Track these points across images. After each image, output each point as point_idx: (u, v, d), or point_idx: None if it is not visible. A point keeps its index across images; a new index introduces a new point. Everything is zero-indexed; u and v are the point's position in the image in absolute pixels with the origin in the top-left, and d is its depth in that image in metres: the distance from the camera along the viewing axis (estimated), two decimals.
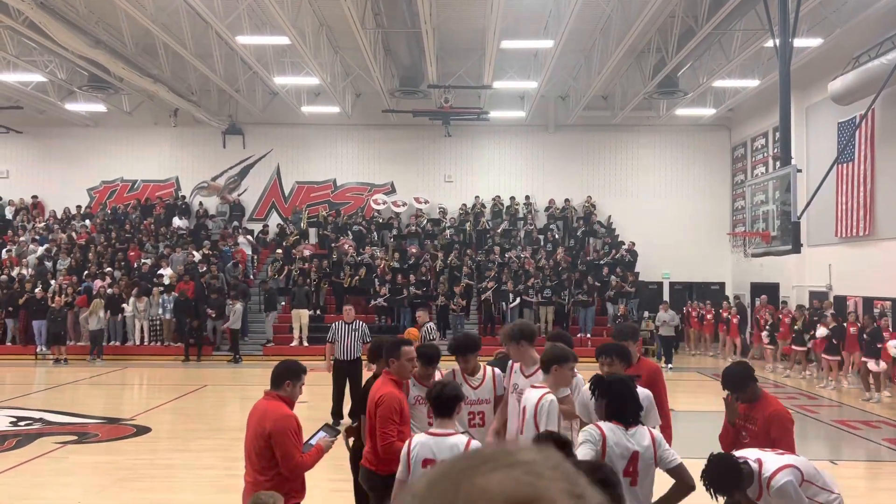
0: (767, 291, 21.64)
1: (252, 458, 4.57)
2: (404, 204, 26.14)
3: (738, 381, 4.93)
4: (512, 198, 25.80)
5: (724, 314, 21.23)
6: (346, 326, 11.08)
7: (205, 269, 22.00)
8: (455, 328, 20.44)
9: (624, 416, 3.93)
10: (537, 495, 0.79)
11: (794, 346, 17.72)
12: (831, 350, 15.83)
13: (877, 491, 8.89)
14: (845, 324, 15.79)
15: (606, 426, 3.91)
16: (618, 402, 3.97)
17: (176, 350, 20.25)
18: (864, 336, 14.83)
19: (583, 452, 3.75)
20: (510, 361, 5.51)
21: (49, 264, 22.83)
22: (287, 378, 4.68)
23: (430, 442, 4.15)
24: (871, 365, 14.40)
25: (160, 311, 20.69)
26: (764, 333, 19.06)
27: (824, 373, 16.41)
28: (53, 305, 19.97)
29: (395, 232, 25.01)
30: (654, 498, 4.05)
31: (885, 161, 17.50)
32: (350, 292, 21.82)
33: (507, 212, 25.52)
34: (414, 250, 23.64)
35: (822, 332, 15.96)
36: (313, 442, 4.72)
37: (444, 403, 4.23)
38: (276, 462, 4.47)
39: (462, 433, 4.34)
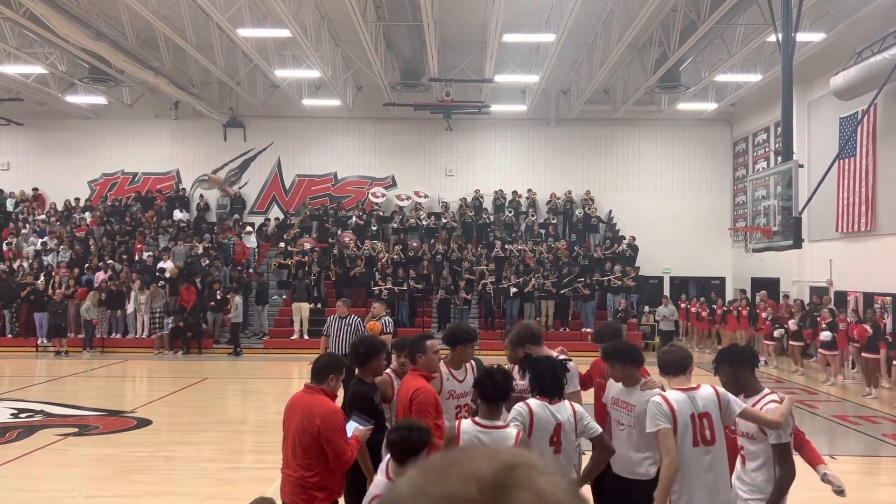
0: (768, 286, 21.62)
1: (297, 453, 4.51)
2: (408, 198, 26.13)
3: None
4: (514, 192, 25.78)
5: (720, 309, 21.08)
6: (340, 321, 11.08)
7: (207, 262, 22.00)
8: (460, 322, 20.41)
9: (547, 392, 4.35)
10: (517, 462, 0.93)
11: (791, 342, 17.74)
12: (829, 345, 15.86)
13: (877, 486, 8.91)
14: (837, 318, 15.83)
15: (534, 402, 4.34)
16: (539, 379, 4.38)
17: (176, 343, 20.23)
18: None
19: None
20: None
21: (47, 257, 22.82)
22: (332, 372, 4.67)
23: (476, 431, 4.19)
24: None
25: (160, 328, 20.42)
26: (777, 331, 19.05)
27: (823, 368, 16.42)
28: (54, 298, 20.00)
29: (394, 225, 24.99)
30: (580, 470, 4.57)
31: (886, 156, 17.47)
32: (351, 285, 21.85)
33: (509, 205, 25.51)
34: (415, 244, 23.64)
35: (826, 335, 15.88)
36: (349, 432, 4.67)
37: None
38: (323, 458, 4.44)
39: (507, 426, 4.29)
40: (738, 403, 4.29)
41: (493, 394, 4.16)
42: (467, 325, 5.82)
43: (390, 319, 11.90)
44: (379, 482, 4.04)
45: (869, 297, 17.53)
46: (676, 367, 4.38)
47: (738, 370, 4.47)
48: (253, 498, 4.30)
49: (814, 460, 4.54)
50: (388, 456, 4.09)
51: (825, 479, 4.36)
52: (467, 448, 0.95)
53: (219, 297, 20.49)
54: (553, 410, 4.30)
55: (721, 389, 4.30)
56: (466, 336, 5.48)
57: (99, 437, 10.48)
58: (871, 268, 17.75)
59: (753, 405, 4.34)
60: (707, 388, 4.29)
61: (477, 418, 4.23)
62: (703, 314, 21.70)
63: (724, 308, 21.01)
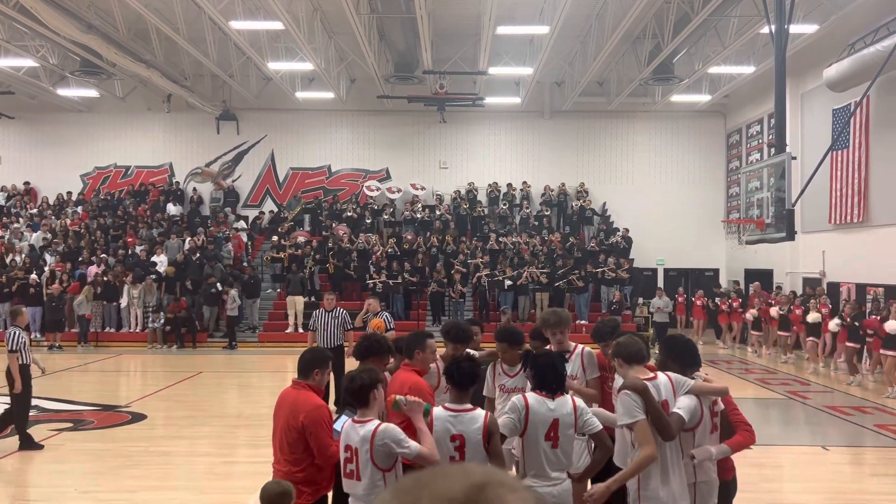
0: (761, 278, 21.69)
1: (284, 449, 4.55)
2: (399, 190, 26.09)
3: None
4: (508, 184, 25.78)
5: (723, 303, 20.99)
6: (327, 314, 11.05)
7: (198, 257, 21.90)
8: (454, 315, 20.45)
9: (547, 386, 4.36)
10: (487, 480, 0.99)
11: (779, 332, 17.83)
12: (814, 333, 16.07)
13: (867, 476, 8.97)
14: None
15: (531, 397, 4.37)
16: (541, 374, 4.41)
17: (170, 338, 20.19)
18: (847, 320, 15.03)
19: (502, 422, 4.28)
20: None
21: (52, 258, 22.66)
22: (315, 367, 4.69)
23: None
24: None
25: (153, 322, 20.36)
26: (750, 313, 19.16)
27: (813, 358, 16.55)
28: (51, 292, 19.92)
29: (386, 217, 24.95)
30: (575, 461, 4.67)
31: (879, 148, 17.52)
32: (345, 279, 21.83)
33: (503, 198, 25.50)
34: (409, 237, 23.63)
35: (813, 316, 16.07)
36: (338, 427, 4.65)
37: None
38: (309, 453, 4.48)
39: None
40: (687, 382, 4.40)
41: (460, 380, 4.28)
42: (465, 329, 5.75)
43: (389, 316, 11.66)
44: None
45: (861, 288, 17.63)
46: (636, 356, 4.46)
47: (668, 359, 4.64)
48: (250, 492, 4.33)
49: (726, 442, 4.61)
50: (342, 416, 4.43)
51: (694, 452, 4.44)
52: (439, 468, 1.02)
53: (215, 289, 20.43)
54: (551, 406, 4.30)
55: (674, 375, 4.44)
56: (464, 337, 5.58)
57: (93, 431, 10.48)
58: (864, 259, 17.83)
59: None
60: (662, 376, 4.42)
61: (447, 404, 4.34)
62: (723, 307, 20.88)
63: (741, 302, 20.42)
